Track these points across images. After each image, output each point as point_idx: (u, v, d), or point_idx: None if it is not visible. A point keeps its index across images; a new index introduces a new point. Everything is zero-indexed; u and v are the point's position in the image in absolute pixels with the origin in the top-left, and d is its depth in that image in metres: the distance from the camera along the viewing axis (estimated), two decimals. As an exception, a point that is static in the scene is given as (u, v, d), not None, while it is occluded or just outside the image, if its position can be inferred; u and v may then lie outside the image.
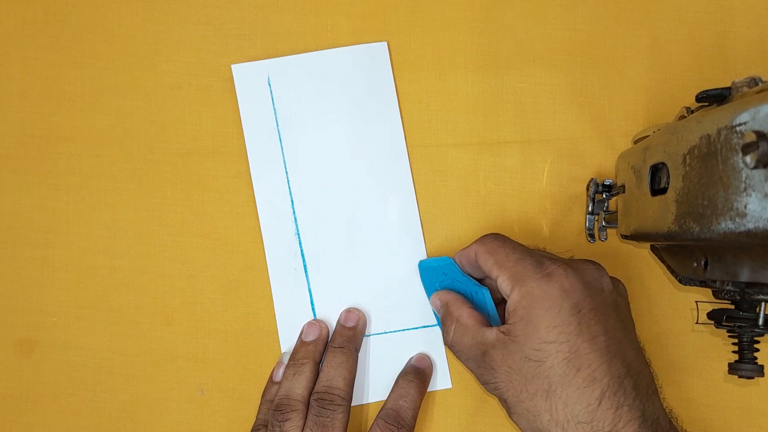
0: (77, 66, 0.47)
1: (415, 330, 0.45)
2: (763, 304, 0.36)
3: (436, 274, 0.43)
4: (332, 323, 0.45)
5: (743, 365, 0.38)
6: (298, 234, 0.46)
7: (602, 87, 0.46)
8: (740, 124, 0.29)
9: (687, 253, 0.37)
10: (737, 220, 0.29)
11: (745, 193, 0.28)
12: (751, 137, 0.27)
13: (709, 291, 0.38)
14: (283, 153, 0.46)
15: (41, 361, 0.46)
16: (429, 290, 0.44)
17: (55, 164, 0.47)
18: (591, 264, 0.39)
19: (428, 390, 0.45)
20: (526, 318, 0.36)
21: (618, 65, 0.46)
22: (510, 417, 0.37)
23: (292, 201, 0.46)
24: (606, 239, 0.45)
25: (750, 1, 0.46)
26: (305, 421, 0.40)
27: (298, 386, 0.42)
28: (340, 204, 0.46)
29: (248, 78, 0.46)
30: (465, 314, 0.40)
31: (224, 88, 0.47)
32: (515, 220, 0.46)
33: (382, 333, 0.45)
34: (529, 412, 0.36)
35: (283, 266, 0.46)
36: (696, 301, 0.43)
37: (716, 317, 0.38)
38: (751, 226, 0.28)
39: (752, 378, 0.38)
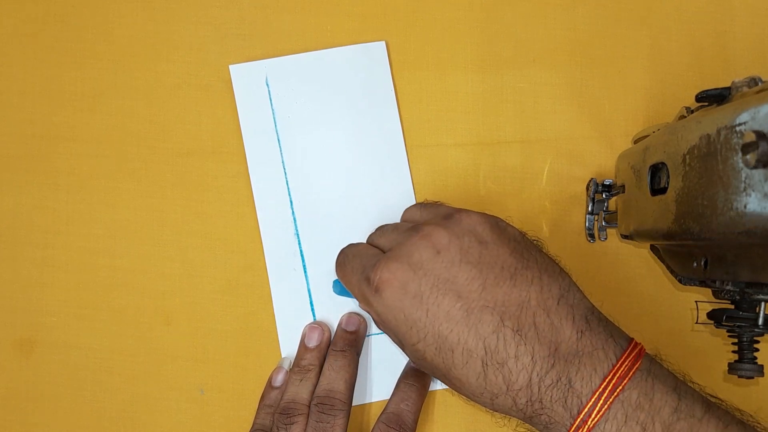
0: (77, 66, 0.47)
1: (415, 330, 0.45)
2: (763, 303, 0.36)
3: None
4: (331, 323, 0.45)
5: (743, 365, 0.38)
6: (298, 234, 0.46)
7: (602, 87, 0.46)
8: (740, 124, 0.29)
9: (687, 253, 0.37)
10: (737, 220, 0.29)
11: (745, 193, 0.28)
12: (750, 137, 0.27)
13: (709, 291, 0.38)
14: (281, 153, 0.46)
15: (41, 361, 0.46)
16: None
17: (55, 164, 0.47)
18: (413, 234, 0.36)
19: (429, 390, 0.45)
20: (391, 332, 0.37)
21: (618, 65, 0.46)
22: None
23: (291, 201, 0.46)
24: (606, 239, 0.45)
25: (750, 1, 0.46)
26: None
27: (305, 391, 0.42)
28: (339, 204, 0.46)
29: (246, 78, 0.46)
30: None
31: (224, 88, 0.47)
32: (515, 220, 0.46)
33: (382, 333, 0.45)
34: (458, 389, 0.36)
35: (283, 266, 0.46)
36: (696, 301, 0.43)
37: (716, 317, 0.38)
38: (751, 226, 0.28)
39: (752, 378, 0.38)
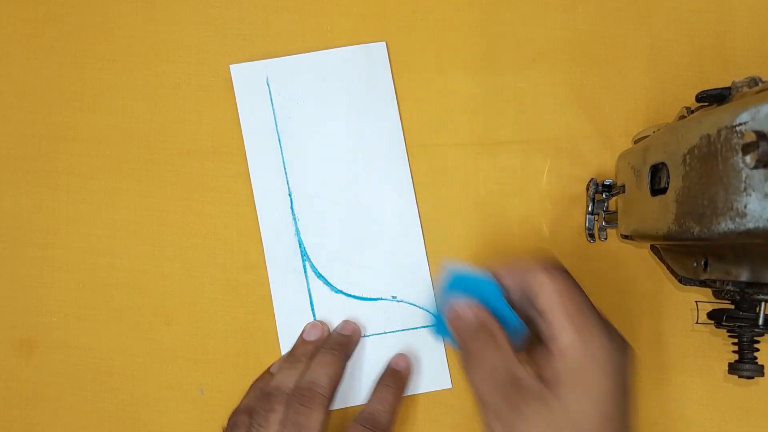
0: (77, 66, 0.47)
1: (415, 330, 0.45)
2: (763, 303, 0.36)
3: (468, 287, 0.38)
4: (331, 324, 0.45)
5: (743, 365, 0.38)
6: (298, 234, 0.46)
7: (602, 87, 0.46)
8: (740, 124, 0.29)
9: (687, 253, 0.37)
10: (737, 220, 0.29)
11: (745, 193, 0.28)
12: (751, 137, 0.27)
13: (709, 291, 0.38)
14: (282, 153, 0.46)
15: (41, 361, 0.46)
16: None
17: (55, 164, 0.47)
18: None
19: (428, 390, 0.45)
20: (582, 384, 0.33)
21: (618, 65, 0.46)
22: None
23: (291, 201, 0.46)
24: (606, 239, 0.45)
25: (750, 1, 0.46)
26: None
27: (291, 381, 0.42)
28: (340, 204, 0.46)
29: (247, 78, 0.46)
30: (506, 342, 0.36)
31: (224, 88, 0.47)
32: (515, 220, 0.46)
33: (381, 333, 0.45)
34: None
35: (283, 266, 0.46)
36: (696, 301, 0.43)
37: (716, 317, 0.38)
38: (751, 226, 0.28)
39: (752, 378, 0.38)
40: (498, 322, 0.37)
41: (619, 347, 0.34)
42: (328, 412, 0.40)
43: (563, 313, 0.34)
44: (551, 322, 0.34)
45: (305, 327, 0.45)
